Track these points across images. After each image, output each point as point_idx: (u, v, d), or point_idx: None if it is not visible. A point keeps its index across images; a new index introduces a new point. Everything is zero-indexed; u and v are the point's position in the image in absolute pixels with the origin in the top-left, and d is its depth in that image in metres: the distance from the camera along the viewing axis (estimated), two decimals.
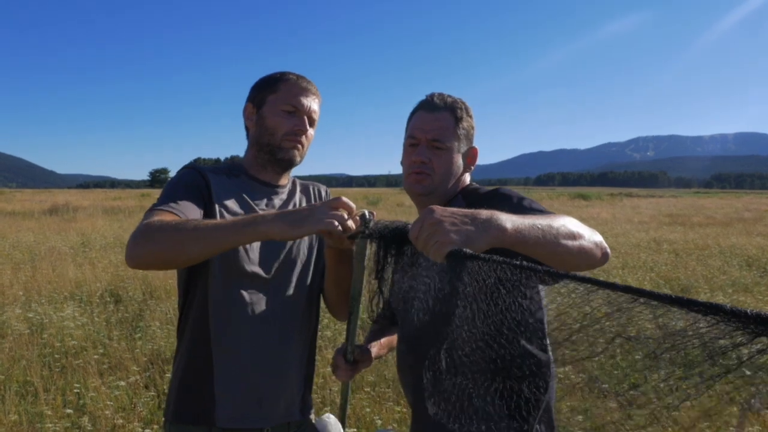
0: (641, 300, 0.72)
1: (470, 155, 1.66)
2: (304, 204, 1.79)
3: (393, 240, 1.33)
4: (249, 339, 1.61)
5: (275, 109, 1.66)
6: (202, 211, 1.55)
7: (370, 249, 1.41)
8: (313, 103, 1.68)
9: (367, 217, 1.35)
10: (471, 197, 1.59)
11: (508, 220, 1.13)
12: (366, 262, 1.42)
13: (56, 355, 4.81)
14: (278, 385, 1.66)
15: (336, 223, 1.28)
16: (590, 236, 1.25)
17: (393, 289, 1.49)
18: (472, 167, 1.68)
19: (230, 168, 1.72)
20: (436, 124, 1.58)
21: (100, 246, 11.46)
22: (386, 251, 1.38)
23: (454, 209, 1.14)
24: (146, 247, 1.34)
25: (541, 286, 1.31)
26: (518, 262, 0.95)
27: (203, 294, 1.60)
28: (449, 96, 1.63)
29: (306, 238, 1.75)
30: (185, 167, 1.67)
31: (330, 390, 4.15)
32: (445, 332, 1.22)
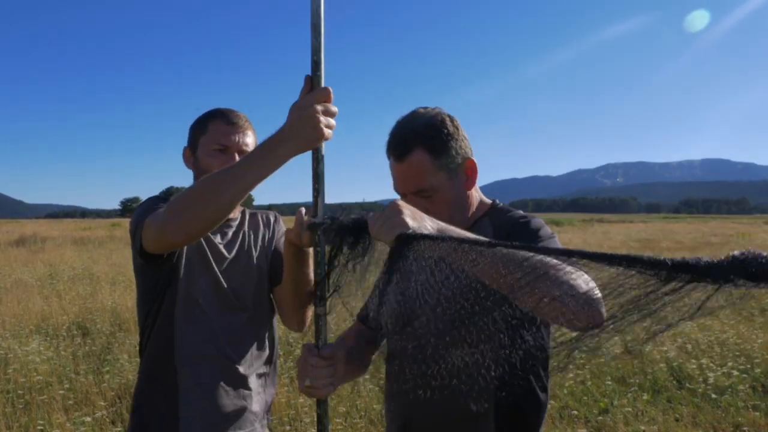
0: (573, 259, 0.86)
1: (468, 168, 1.44)
2: (253, 228, 1.83)
3: (352, 231, 1.20)
4: (213, 356, 1.66)
5: (207, 150, 1.70)
6: None
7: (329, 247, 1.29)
8: (243, 137, 1.71)
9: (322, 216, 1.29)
10: (502, 222, 1.43)
11: (464, 233, 1.08)
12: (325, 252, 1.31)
13: (20, 391, 4.67)
14: (242, 402, 1.70)
15: (329, 132, 1.26)
16: (576, 293, 0.98)
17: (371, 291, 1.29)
18: (474, 179, 1.46)
19: None
20: (410, 172, 1.38)
21: (68, 277, 11.22)
22: (342, 241, 1.23)
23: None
24: (184, 214, 1.33)
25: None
26: (465, 237, 0.95)
27: (168, 314, 1.64)
28: (415, 118, 1.40)
29: (262, 253, 1.79)
30: (151, 198, 1.71)
31: (302, 421, 4.11)
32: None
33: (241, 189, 1.31)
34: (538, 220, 1.40)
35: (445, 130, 1.39)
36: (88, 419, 4.08)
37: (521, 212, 1.46)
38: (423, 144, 1.37)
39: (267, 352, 1.79)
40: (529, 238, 1.34)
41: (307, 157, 1.30)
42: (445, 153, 1.38)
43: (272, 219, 1.91)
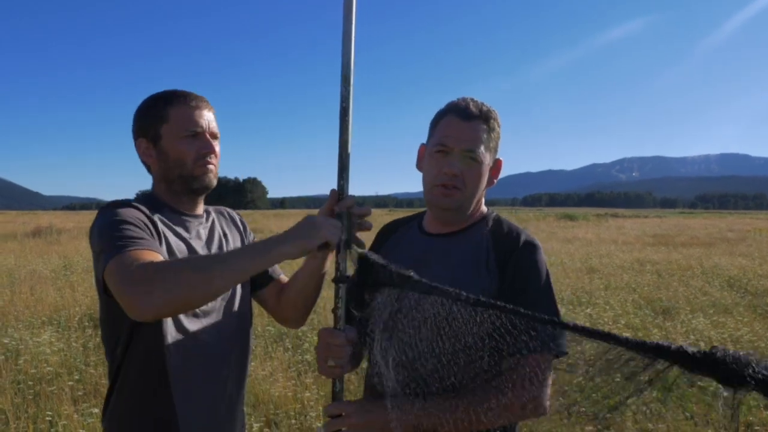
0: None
1: (495, 167, 1.59)
2: (224, 228, 1.76)
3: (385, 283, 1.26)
4: (208, 374, 1.58)
5: (175, 138, 1.56)
6: (163, 247, 1.47)
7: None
8: (210, 118, 1.60)
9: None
10: (502, 237, 1.53)
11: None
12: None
13: (30, 382, 4.72)
14: (234, 416, 1.67)
15: (337, 236, 1.32)
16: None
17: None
18: (495, 180, 1.61)
19: (149, 201, 1.62)
20: (471, 134, 1.49)
21: (82, 269, 11.31)
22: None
23: None
24: (163, 291, 1.18)
25: None
26: (426, 281, 1.09)
27: (156, 333, 1.49)
28: (483, 104, 1.55)
29: None
30: (119, 203, 1.53)
31: (307, 416, 4.10)
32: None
33: (238, 278, 1.30)
34: (542, 254, 1.50)
35: (499, 124, 1.56)
36: (96, 411, 4.11)
37: (521, 230, 1.55)
38: (486, 122, 1.52)
39: (247, 360, 1.72)
40: (526, 272, 1.46)
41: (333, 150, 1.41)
42: (493, 139, 1.54)
43: (237, 218, 1.82)
